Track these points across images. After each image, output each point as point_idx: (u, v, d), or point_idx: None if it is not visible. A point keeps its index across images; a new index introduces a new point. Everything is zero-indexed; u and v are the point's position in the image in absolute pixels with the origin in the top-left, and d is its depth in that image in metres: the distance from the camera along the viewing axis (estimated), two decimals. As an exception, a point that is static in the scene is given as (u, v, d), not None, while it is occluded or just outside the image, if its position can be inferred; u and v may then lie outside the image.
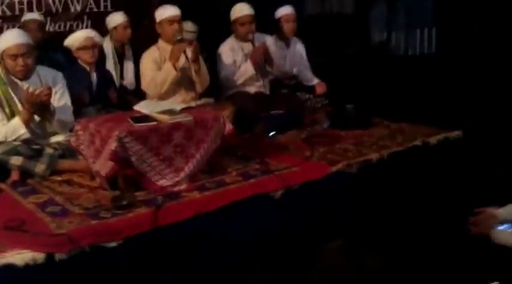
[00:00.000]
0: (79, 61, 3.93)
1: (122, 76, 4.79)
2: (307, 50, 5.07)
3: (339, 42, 6.48)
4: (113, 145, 2.78)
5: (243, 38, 4.49)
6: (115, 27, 4.66)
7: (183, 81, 4.12)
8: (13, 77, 3.34)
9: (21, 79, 3.34)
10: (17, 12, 4.61)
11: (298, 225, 3.02)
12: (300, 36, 4.99)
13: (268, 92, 4.67)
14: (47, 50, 4.37)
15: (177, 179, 3.02)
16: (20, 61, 3.26)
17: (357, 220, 3.26)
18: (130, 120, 2.96)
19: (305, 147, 3.77)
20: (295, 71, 4.96)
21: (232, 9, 4.50)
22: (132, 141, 2.84)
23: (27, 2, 4.73)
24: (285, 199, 3.06)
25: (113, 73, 4.65)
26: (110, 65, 4.67)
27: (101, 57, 4.25)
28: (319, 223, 3.14)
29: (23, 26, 4.38)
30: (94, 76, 3.97)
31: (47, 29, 4.78)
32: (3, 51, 3.28)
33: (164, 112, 3.10)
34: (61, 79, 3.52)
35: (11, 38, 3.30)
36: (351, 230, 3.16)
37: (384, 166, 3.56)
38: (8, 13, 4.64)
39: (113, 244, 2.43)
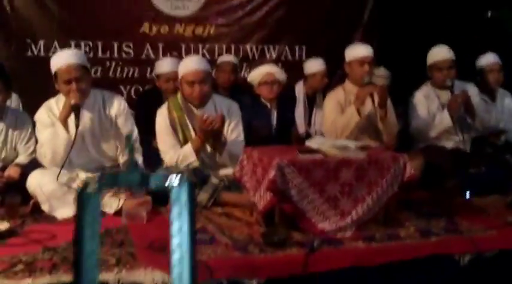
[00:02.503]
0: (261, 98, 3.86)
1: (309, 123, 4.63)
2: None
3: None
4: (272, 173, 2.52)
5: (440, 85, 3.97)
6: (313, 74, 4.55)
7: (368, 129, 3.73)
8: (190, 104, 3.35)
9: (196, 107, 3.34)
10: (215, 57, 4.83)
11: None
12: (508, 88, 4.30)
13: (468, 149, 4.01)
14: (237, 92, 4.43)
15: (341, 224, 2.60)
16: (196, 88, 3.25)
17: None
18: (296, 151, 2.69)
19: (509, 213, 3.04)
20: (502, 127, 4.22)
21: (429, 52, 4.04)
22: (294, 172, 2.54)
23: (226, 48, 4.96)
24: (473, 266, 2.41)
25: (302, 119, 4.53)
26: (300, 110, 4.55)
27: (286, 97, 4.14)
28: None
29: (217, 67, 4.54)
30: (274, 114, 3.85)
31: (242, 75, 4.90)
32: (182, 77, 3.32)
33: (335, 147, 2.76)
34: (236, 111, 3.44)
35: (189, 65, 3.31)
36: None
37: None
38: (208, 56, 4.87)
39: (253, 282, 2.11)
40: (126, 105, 3.20)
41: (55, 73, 2.96)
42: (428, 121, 3.96)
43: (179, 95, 3.40)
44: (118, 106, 3.13)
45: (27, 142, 3.33)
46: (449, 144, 3.97)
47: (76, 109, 2.88)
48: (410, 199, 3.16)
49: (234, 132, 3.38)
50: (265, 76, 3.86)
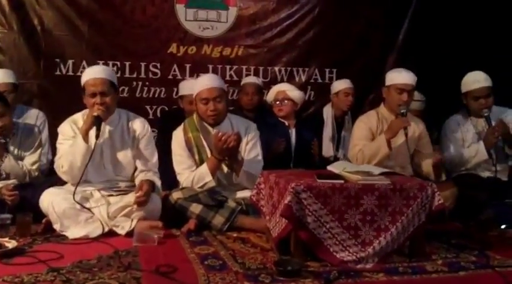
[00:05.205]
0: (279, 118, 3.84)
1: (337, 148, 4.48)
2: None
3: None
4: (287, 198, 2.38)
5: (476, 114, 3.75)
6: (336, 93, 4.46)
7: (398, 160, 3.53)
8: (205, 124, 3.27)
9: (212, 126, 3.25)
10: (242, 78, 4.72)
11: None
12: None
13: (505, 179, 3.75)
14: (263, 113, 4.34)
15: (362, 254, 2.44)
16: (210, 105, 3.18)
17: None
18: (314, 176, 2.55)
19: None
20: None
21: (464, 79, 3.79)
22: (310, 198, 2.40)
23: (254, 70, 4.86)
24: (507, 306, 2.20)
25: (329, 142, 4.40)
26: (327, 133, 4.43)
27: (309, 119, 4.02)
28: None
29: (241, 89, 4.47)
30: (293, 132, 3.76)
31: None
32: (196, 95, 3.26)
33: (358, 172, 2.60)
34: (254, 130, 3.34)
35: (203, 82, 3.28)
36: None
37: None
38: (235, 78, 4.81)
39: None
40: (150, 128, 3.17)
41: (83, 86, 2.98)
42: (462, 153, 3.74)
43: (195, 115, 3.34)
44: (141, 128, 3.11)
45: (33, 152, 3.29)
46: (485, 173, 3.74)
47: (98, 122, 2.87)
48: (440, 231, 3.00)
49: (252, 151, 3.28)
50: (277, 94, 3.83)
